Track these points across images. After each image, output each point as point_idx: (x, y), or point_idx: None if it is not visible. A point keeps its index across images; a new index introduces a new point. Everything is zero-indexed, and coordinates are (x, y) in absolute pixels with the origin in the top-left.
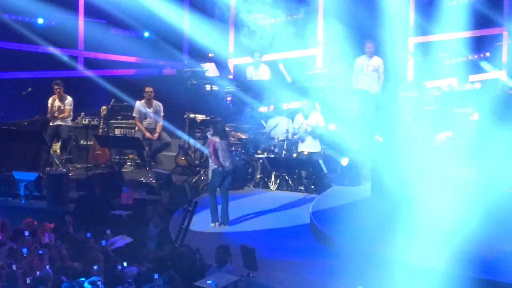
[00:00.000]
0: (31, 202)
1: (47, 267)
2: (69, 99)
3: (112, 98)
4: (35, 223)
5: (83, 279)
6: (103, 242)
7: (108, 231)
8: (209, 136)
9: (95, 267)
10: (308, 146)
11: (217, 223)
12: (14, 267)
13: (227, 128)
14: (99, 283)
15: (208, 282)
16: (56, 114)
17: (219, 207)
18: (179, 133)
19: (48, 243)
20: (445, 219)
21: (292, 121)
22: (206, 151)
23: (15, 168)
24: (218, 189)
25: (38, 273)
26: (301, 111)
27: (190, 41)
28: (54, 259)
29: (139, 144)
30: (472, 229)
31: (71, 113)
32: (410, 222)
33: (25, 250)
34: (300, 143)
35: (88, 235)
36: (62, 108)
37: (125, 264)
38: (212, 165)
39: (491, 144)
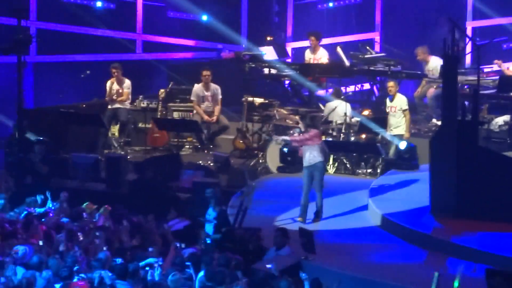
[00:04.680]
0: (89, 185)
1: (104, 249)
2: (127, 82)
3: (171, 81)
4: (94, 206)
5: (143, 263)
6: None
7: (172, 211)
8: (304, 130)
9: (150, 249)
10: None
11: (305, 219)
12: (76, 249)
13: (285, 111)
14: (156, 265)
15: (267, 266)
16: (114, 97)
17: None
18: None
19: (103, 226)
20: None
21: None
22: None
23: (74, 151)
24: None
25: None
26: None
27: (249, 24)
28: (111, 241)
29: (197, 127)
30: None
31: (130, 96)
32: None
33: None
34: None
35: (150, 217)
36: (120, 91)
37: (183, 245)
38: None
39: None
